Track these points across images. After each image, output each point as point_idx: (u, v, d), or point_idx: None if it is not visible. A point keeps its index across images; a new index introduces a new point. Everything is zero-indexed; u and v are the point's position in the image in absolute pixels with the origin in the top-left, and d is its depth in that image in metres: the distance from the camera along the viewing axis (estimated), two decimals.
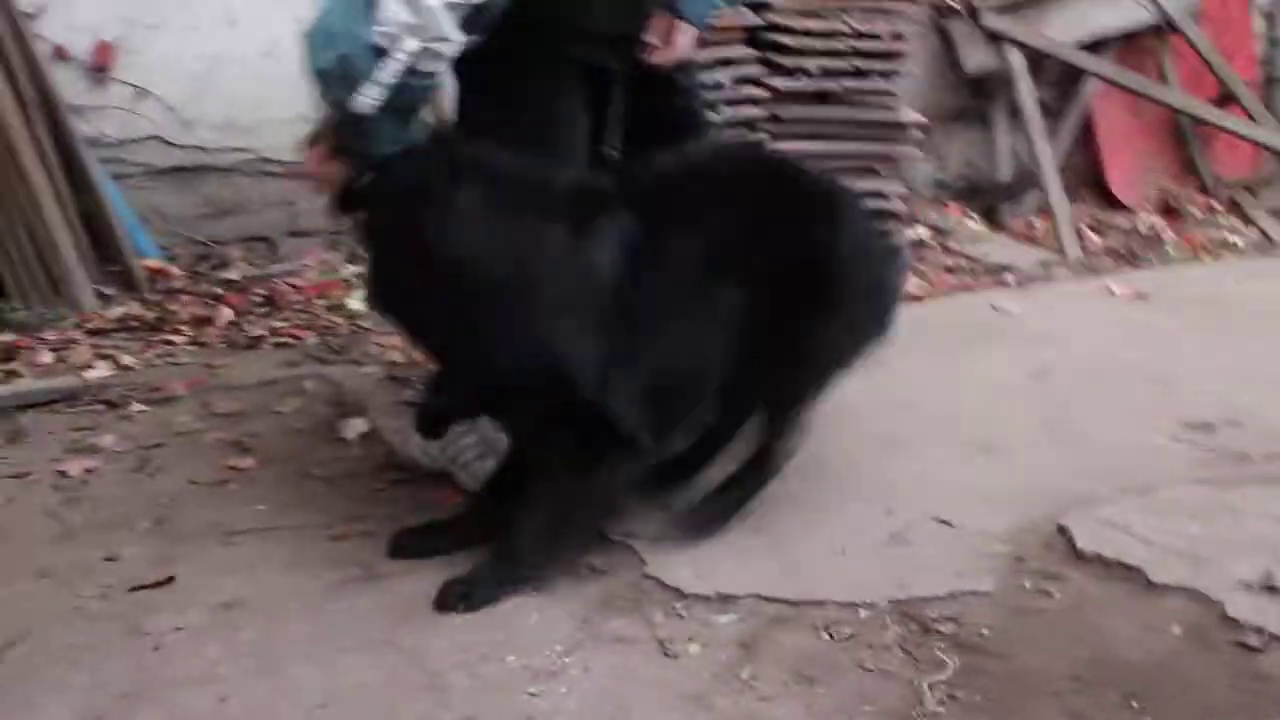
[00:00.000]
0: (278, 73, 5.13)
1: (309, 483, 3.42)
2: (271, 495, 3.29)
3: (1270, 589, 2.82)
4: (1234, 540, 3.05)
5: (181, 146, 5.11)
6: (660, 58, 3.27)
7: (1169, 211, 6.67)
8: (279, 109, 5.15)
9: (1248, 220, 6.50)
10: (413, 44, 2.57)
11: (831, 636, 2.70)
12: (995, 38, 6.44)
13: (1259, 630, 2.68)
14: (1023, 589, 2.88)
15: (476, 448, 3.34)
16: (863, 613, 2.78)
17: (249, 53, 5.13)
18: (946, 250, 5.85)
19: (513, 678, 2.56)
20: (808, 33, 5.32)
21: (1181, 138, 7.04)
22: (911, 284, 5.23)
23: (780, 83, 5.28)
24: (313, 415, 3.83)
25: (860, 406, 3.66)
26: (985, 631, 2.71)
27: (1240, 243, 6.22)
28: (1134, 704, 2.47)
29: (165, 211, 5.13)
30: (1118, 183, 6.81)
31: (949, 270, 5.55)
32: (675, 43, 3.27)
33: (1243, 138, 6.88)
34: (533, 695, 2.50)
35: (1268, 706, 2.47)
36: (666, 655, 2.63)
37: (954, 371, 4.19)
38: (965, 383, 4.08)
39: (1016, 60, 6.41)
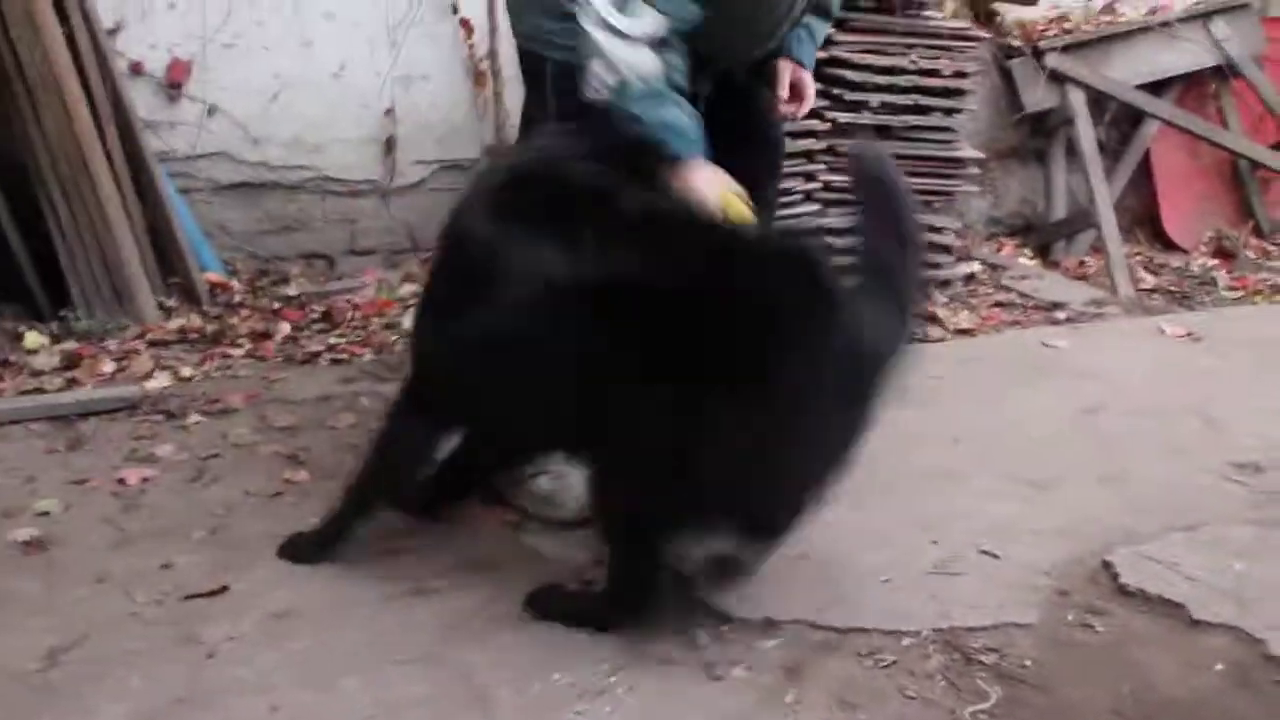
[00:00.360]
0: (346, 94, 5.24)
1: None
2: (325, 509, 3.33)
3: None
4: (1279, 580, 3.05)
5: (249, 163, 5.21)
6: (791, 109, 3.40)
7: (1223, 254, 6.65)
8: (346, 129, 5.28)
9: None
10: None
11: (875, 664, 2.72)
12: (1057, 77, 6.46)
13: None
14: (1066, 622, 2.89)
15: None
16: (906, 641, 2.79)
17: (320, 74, 5.24)
18: (999, 286, 5.86)
19: (559, 695, 2.59)
20: (870, 68, 5.37)
21: (1239, 181, 7.03)
22: (963, 318, 5.27)
23: (840, 116, 5.33)
24: (367, 432, 3.86)
25: (909, 438, 3.68)
26: (1028, 663, 2.72)
27: None
28: None
29: (229, 226, 5.23)
30: (1173, 224, 6.81)
31: (1000, 305, 5.56)
32: (805, 95, 3.39)
33: None
34: (579, 714, 2.53)
35: None
36: (711, 678, 2.65)
37: (1004, 406, 4.22)
38: (1014, 418, 4.10)
39: (1077, 99, 6.42)
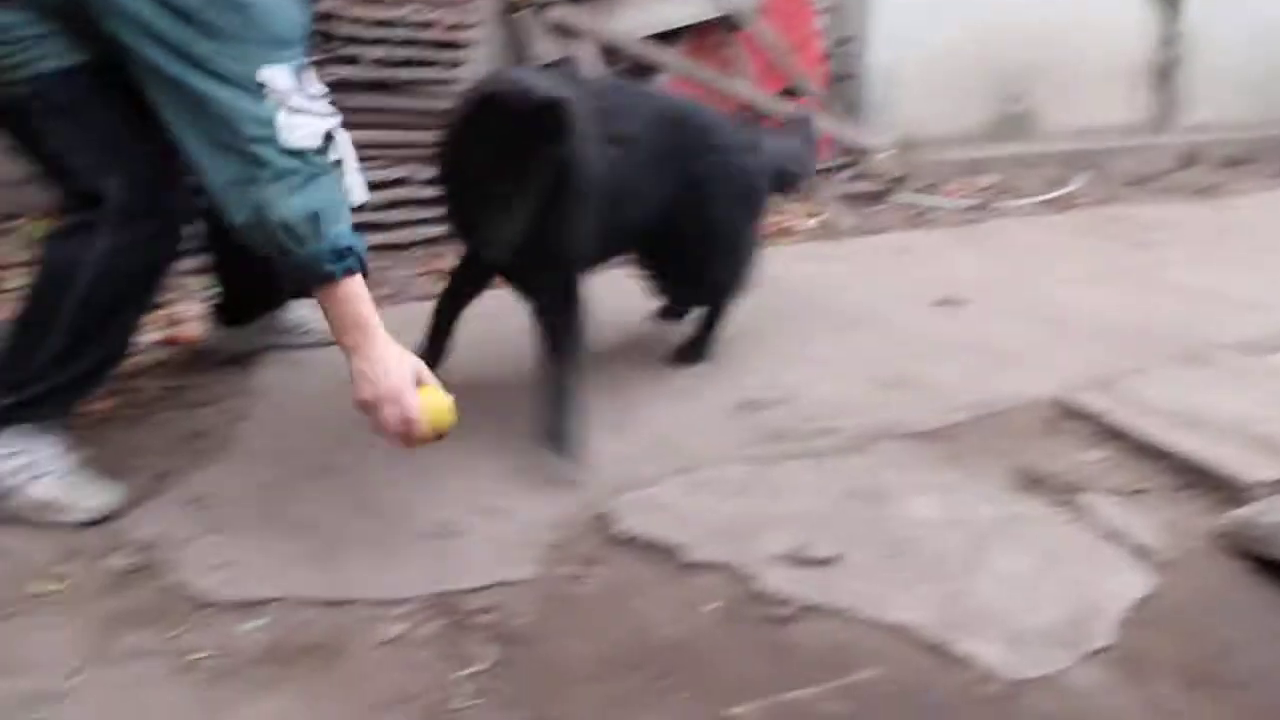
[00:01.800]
0: None
1: None
2: None
3: (800, 560, 2.87)
4: (771, 515, 3.09)
5: None
6: None
7: None
8: None
9: (815, 207, 6.70)
10: None
11: (365, 636, 2.60)
12: (563, 30, 6.45)
13: (787, 602, 2.73)
14: (563, 576, 2.84)
15: (25, 471, 3.05)
16: (398, 609, 2.68)
17: None
18: None
19: (16, 703, 2.36)
20: (357, 20, 5.25)
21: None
22: None
23: (338, 70, 5.16)
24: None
25: None
26: (522, 621, 2.66)
27: (808, 227, 6.39)
28: (665, 682, 2.47)
29: None
30: None
31: None
32: None
33: None
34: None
35: (793, 675, 2.49)
36: (184, 667, 2.48)
37: (503, 360, 4.05)
38: (517, 372, 3.98)
39: (583, 52, 6.43)
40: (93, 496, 3.07)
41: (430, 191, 5.28)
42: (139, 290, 3.10)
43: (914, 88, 7.54)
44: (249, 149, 2.64)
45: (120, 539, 2.95)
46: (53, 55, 2.86)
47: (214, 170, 2.69)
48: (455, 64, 5.53)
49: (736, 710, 2.38)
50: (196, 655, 2.51)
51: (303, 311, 4.02)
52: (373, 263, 2.83)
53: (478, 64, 5.80)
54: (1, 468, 3.04)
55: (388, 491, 3.17)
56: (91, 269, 2.95)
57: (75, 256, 2.96)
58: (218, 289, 3.97)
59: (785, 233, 6.28)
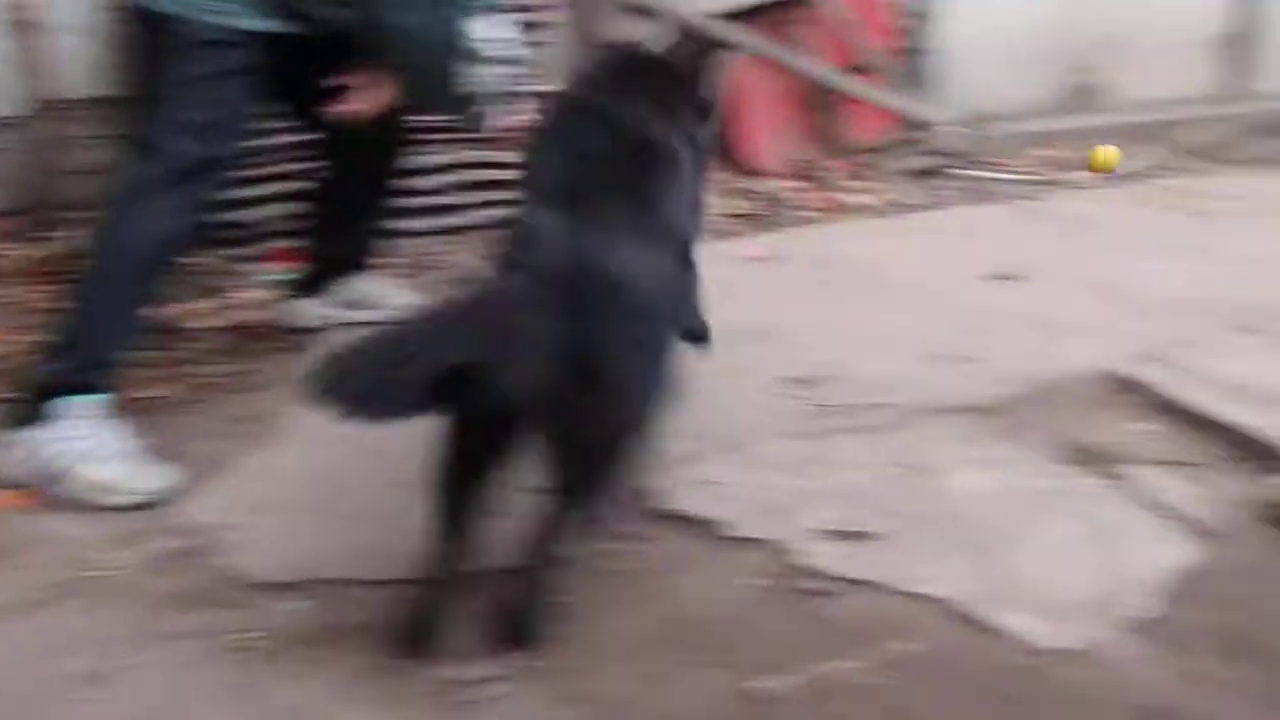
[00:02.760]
0: None
1: None
2: None
3: (841, 534, 2.89)
4: (816, 490, 3.11)
5: None
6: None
7: (806, 176, 6.78)
8: None
9: (879, 183, 6.67)
10: None
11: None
12: (635, 9, 6.45)
13: (826, 576, 2.74)
14: (604, 553, 2.85)
15: (87, 454, 3.12)
16: None
17: None
18: None
19: (59, 684, 2.42)
20: None
21: (818, 104, 7.17)
22: None
23: None
24: None
25: None
26: (565, 598, 2.68)
27: (871, 203, 6.36)
28: (705, 658, 2.49)
29: None
30: (757, 149, 6.90)
31: None
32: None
33: (875, 104, 7.06)
34: (80, 700, 2.37)
35: (832, 647, 2.51)
36: (227, 649, 2.52)
37: None
38: None
39: (657, 30, 6.41)
40: (148, 480, 3.13)
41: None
42: (178, 253, 3.32)
43: (981, 61, 7.45)
44: None
45: (172, 523, 3.00)
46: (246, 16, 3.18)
47: None
48: (533, 44, 5.53)
49: (769, 683, 2.39)
50: (241, 636, 2.56)
51: (368, 286, 4.12)
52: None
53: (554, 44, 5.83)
54: (63, 448, 3.11)
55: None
56: (146, 229, 3.15)
57: (130, 216, 3.17)
58: (309, 247, 4.11)
59: (842, 209, 6.25)
